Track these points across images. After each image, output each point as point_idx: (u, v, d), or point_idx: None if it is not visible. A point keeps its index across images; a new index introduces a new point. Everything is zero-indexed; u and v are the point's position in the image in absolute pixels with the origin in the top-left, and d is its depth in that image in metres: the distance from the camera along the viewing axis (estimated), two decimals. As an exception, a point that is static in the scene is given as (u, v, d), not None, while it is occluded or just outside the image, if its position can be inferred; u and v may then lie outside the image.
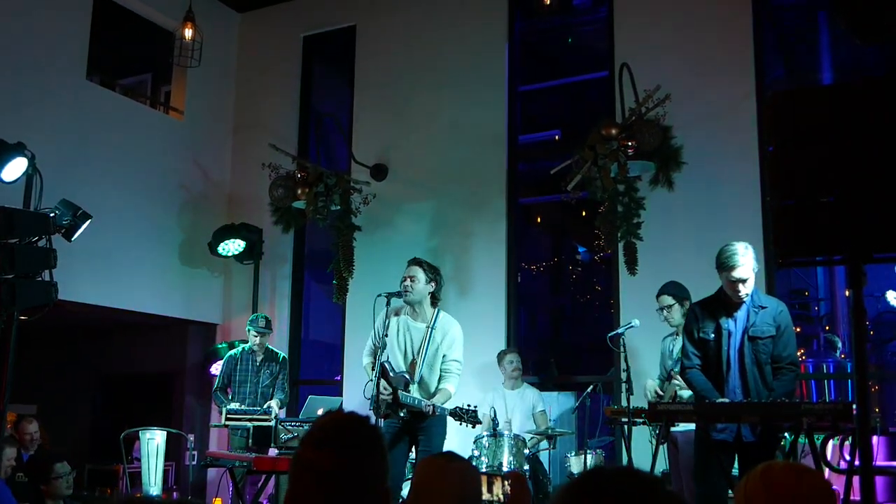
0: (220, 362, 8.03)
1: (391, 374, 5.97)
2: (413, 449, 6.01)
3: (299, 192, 7.86)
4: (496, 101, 8.31)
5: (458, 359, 6.08)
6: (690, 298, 6.14)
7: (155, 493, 7.80)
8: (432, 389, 6.02)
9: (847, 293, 9.59)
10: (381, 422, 6.03)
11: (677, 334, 6.08)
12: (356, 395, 8.08)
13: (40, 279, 5.23)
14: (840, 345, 9.67)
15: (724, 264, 4.86)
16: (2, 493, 5.00)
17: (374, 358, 6.13)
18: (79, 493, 7.73)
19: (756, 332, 4.86)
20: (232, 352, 8.02)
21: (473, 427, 5.80)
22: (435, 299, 6.18)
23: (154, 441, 8.07)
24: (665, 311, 6.19)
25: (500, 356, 7.36)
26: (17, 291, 4.97)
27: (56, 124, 7.66)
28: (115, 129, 8.34)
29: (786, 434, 5.04)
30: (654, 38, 7.63)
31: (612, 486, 1.54)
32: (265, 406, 7.47)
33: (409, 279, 6.07)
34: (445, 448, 5.94)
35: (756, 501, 2.18)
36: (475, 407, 5.73)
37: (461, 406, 5.70)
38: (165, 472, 8.34)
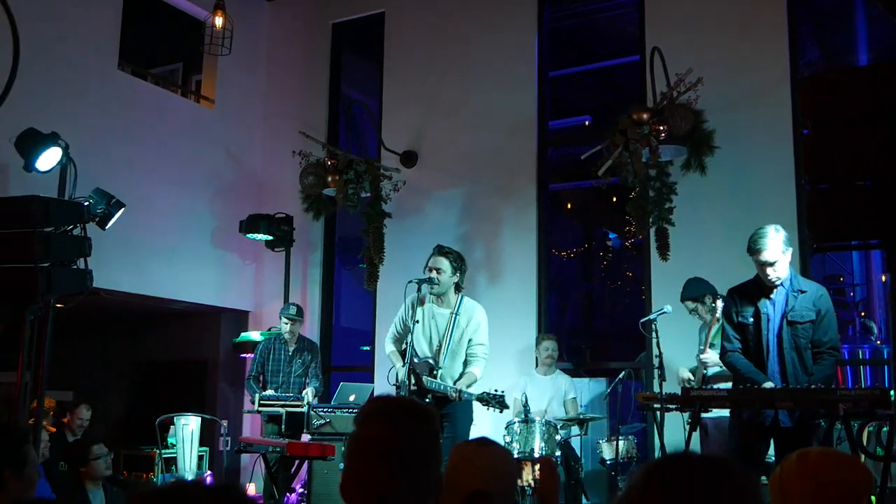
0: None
1: (416, 360, 6.00)
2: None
3: (329, 179, 7.88)
4: (526, 87, 8.26)
5: (483, 342, 6.10)
6: (713, 289, 6.13)
7: (190, 478, 7.90)
8: (457, 374, 6.03)
9: (883, 278, 9.47)
10: None
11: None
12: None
13: (75, 267, 5.29)
14: (876, 330, 9.54)
15: (751, 247, 4.84)
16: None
17: (397, 345, 6.20)
18: (114, 476, 7.88)
19: (795, 316, 4.79)
20: (264, 340, 8.09)
21: (501, 412, 5.79)
22: (458, 287, 6.22)
23: (188, 427, 8.18)
24: (693, 314, 6.37)
25: (539, 340, 7.37)
26: (52, 279, 5.03)
27: (89, 114, 7.73)
28: (147, 119, 8.41)
29: (821, 421, 4.99)
30: (685, 20, 7.54)
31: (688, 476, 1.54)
32: (302, 393, 7.54)
33: (435, 271, 6.10)
34: (477, 434, 5.95)
35: (792, 488, 2.16)
36: (502, 392, 5.72)
37: (488, 391, 5.70)
38: (199, 457, 8.45)
